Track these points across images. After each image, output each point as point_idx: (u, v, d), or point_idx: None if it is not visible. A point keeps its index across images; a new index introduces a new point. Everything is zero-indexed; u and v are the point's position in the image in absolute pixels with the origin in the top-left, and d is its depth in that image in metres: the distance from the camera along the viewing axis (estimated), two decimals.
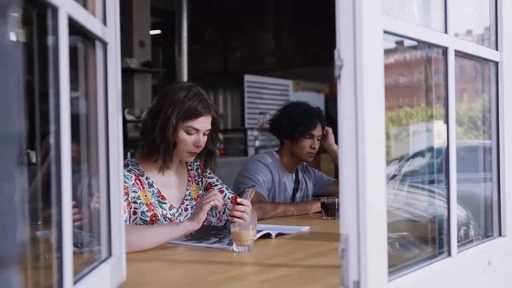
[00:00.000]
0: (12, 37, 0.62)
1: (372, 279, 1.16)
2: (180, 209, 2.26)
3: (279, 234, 2.14)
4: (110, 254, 1.35)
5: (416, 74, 2.00)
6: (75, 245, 1.17)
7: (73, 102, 1.08)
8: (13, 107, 0.60)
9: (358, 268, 1.17)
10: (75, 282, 1.07)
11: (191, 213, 2.26)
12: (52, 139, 0.99)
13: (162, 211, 2.18)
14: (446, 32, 1.51)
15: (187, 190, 2.32)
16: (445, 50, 1.51)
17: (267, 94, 8.01)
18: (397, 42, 1.46)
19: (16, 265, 0.61)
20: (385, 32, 1.25)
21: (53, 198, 0.99)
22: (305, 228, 2.31)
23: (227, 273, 1.60)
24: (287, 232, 2.19)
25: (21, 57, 0.63)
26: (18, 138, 0.61)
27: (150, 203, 2.15)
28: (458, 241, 1.54)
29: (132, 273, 1.47)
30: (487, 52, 1.76)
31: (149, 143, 2.17)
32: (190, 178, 2.35)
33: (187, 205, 2.30)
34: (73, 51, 1.08)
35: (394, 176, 2.22)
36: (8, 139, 0.58)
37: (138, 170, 2.18)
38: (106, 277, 1.28)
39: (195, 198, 2.33)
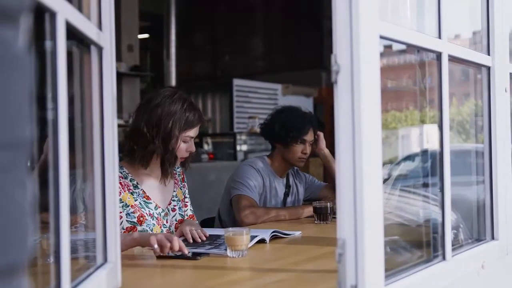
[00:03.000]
0: (24, 43, 0.62)
1: (369, 283, 1.17)
2: (167, 209, 2.31)
3: (274, 237, 2.14)
4: (105, 260, 1.34)
5: (405, 78, 2.01)
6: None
7: (68, 107, 1.08)
8: (26, 114, 0.59)
9: (355, 272, 1.17)
10: None
11: (179, 213, 2.35)
12: (50, 145, 0.99)
13: (148, 211, 2.22)
14: (439, 37, 1.52)
15: (174, 191, 2.38)
16: (439, 55, 1.52)
17: (256, 98, 8.00)
18: (385, 46, 1.46)
19: (26, 271, 0.61)
20: (381, 37, 1.25)
21: (51, 204, 0.98)
22: (298, 233, 2.32)
23: (223, 279, 1.60)
24: (281, 234, 2.20)
25: (33, 63, 0.63)
26: (29, 145, 0.61)
27: (135, 205, 2.18)
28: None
29: (127, 279, 1.46)
30: (479, 57, 1.78)
31: (149, 154, 2.21)
32: (176, 181, 2.41)
33: (174, 205, 2.36)
34: (67, 56, 1.07)
35: (385, 180, 2.23)
36: (20, 146, 0.58)
37: (121, 173, 2.20)
38: (102, 283, 1.27)
39: (181, 200, 2.40)
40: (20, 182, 0.59)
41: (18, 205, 0.58)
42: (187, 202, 2.46)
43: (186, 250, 1.83)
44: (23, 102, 0.60)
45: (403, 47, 1.56)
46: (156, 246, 1.79)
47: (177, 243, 1.81)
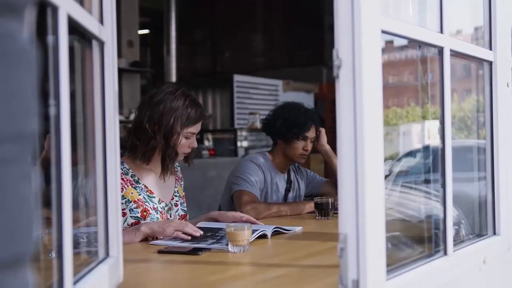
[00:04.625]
0: (28, 36, 0.62)
1: (371, 278, 1.17)
2: (170, 204, 2.34)
3: (275, 233, 2.15)
4: (107, 254, 1.35)
5: (407, 74, 2.01)
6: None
7: (70, 102, 1.07)
8: (30, 107, 0.60)
9: (357, 267, 1.17)
10: (74, 283, 1.06)
11: (181, 209, 2.39)
12: (52, 140, 0.99)
13: (152, 205, 2.24)
14: (441, 32, 1.52)
15: (175, 187, 2.40)
16: (440, 50, 1.52)
17: (256, 94, 8.00)
18: (387, 42, 1.46)
19: (31, 263, 0.61)
20: (383, 32, 1.25)
21: (53, 200, 0.98)
22: (299, 229, 2.32)
23: (224, 274, 1.60)
24: (282, 230, 2.20)
25: (37, 56, 0.63)
26: (34, 138, 0.61)
27: (138, 199, 2.20)
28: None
29: (129, 273, 1.47)
30: (481, 52, 1.78)
31: (150, 149, 2.23)
32: (177, 178, 2.44)
33: (176, 201, 2.39)
34: (69, 51, 1.07)
35: (386, 176, 2.23)
36: (25, 139, 0.58)
37: (122, 169, 2.21)
38: (104, 278, 1.27)
39: (182, 197, 2.43)
40: (25, 174, 0.59)
41: (23, 197, 0.58)
42: (183, 202, 2.48)
43: (198, 233, 2.02)
44: (28, 95, 0.60)
45: (404, 42, 1.55)
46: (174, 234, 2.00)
47: (192, 227, 2.03)
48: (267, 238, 2.08)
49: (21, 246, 0.58)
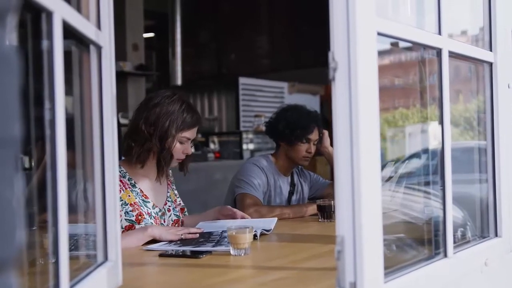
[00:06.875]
0: (11, 41, 0.62)
1: (368, 281, 1.17)
2: (163, 209, 2.36)
3: (262, 234, 2.18)
4: (106, 258, 1.35)
5: (411, 75, 2.01)
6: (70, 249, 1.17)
7: (67, 106, 1.08)
8: (13, 112, 0.60)
9: (354, 269, 1.17)
10: (72, 286, 1.07)
11: (174, 214, 2.40)
12: (47, 144, 0.99)
13: (147, 210, 2.26)
14: (439, 33, 1.51)
15: (168, 192, 2.43)
16: (439, 52, 1.51)
17: (262, 96, 7.99)
18: (392, 44, 1.46)
19: (14, 268, 0.61)
20: (379, 34, 1.25)
21: (49, 203, 0.99)
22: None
23: (225, 277, 1.60)
24: (264, 231, 2.22)
25: (20, 61, 0.63)
26: (17, 143, 0.62)
27: (134, 203, 2.23)
28: (455, 242, 1.55)
29: (128, 277, 1.47)
30: (481, 53, 1.77)
31: (145, 151, 2.24)
32: (169, 183, 2.46)
33: (169, 206, 2.41)
34: (66, 55, 1.07)
35: (390, 177, 2.22)
36: (7, 143, 0.59)
37: (120, 172, 2.22)
38: (103, 282, 1.27)
39: (174, 201, 2.45)
40: (8, 179, 0.59)
41: (6, 201, 0.59)
42: (180, 200, 2.51)
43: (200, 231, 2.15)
44: (11, 101, 0.60)
45: (409, 43, 1.55)
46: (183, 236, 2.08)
47: (193, 229, 2.14)
48: (257, 239, 2.08)
49: (3, 251, 0.59)
